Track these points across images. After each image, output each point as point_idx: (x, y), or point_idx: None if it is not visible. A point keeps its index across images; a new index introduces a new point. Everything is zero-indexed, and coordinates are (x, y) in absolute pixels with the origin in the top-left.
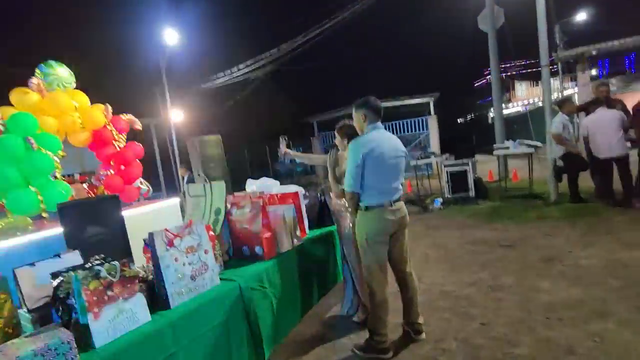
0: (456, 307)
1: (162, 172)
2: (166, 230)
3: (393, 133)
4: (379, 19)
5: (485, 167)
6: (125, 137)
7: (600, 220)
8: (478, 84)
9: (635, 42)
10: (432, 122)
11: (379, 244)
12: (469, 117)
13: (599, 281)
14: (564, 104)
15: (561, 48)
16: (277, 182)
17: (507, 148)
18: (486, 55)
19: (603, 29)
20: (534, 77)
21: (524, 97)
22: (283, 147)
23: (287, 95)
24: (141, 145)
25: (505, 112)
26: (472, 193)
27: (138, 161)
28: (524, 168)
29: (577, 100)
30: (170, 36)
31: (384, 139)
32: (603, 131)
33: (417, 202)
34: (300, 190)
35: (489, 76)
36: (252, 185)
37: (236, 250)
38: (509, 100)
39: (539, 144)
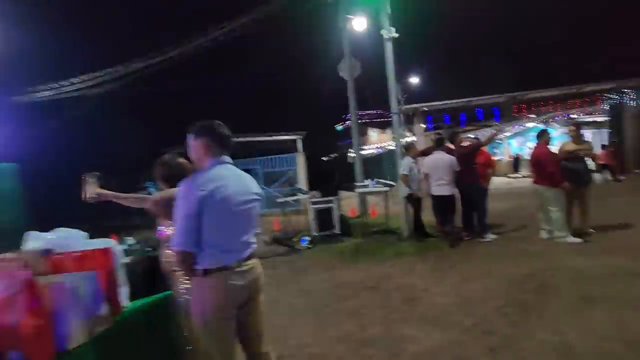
0: None
1: None
2: None
3: (263, 169)
4: (247, 54)
5: (346, 203)
6: None
7: (443, 255)
8: (340, 126)
9: (454, 105)
10: (300, 159)
11: (222, 322)
12: (332, 156)
13: (455, 321)
14: (409, 148)
15: (402, 103)
16: (83, 234)
17: (367, 186)
18: (347, 101)
19: (432, 91)
20: (383, 126)
21: (376, 141)
22: (89, 189)
23: (141, 122)
24: None
25: (362, 153)
26: (337, 230)
27: None
28: (380, 204)
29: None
30: None
31: (231, 178)
32: (437, 171)
33: (284, 241)
34: (116, 244)
35: (348, 122)
36: (36, 241)
37: None
38: (364, 144)
39: (392, 183)
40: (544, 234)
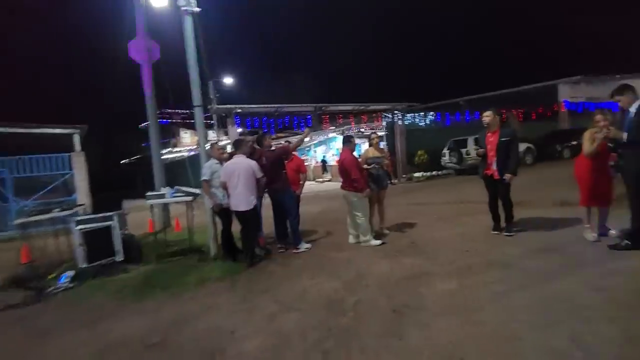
0: None
1: None
2: None
3: (20, 172)
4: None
5: (145, 215)
6: None
7: (256, 276)
8: (143, 125)
9: (267, 109)
10: (79, 161)
11: None
12: (134, 158)
13: None
14: (212, 149)
15: (214, 102)
16: None
17: (163, 195)
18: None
19: (246, 94)
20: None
21: (190, 144)
22: None
23: None
24: None
25: (171, 156)
26: (120, 257)
27: None
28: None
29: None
30: None
31: None
32: (233, 179)
33: (32, 281)
34: None
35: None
36: None
37: None
38: (176, 145)
39: (197, 191)
40: (351, 239)
